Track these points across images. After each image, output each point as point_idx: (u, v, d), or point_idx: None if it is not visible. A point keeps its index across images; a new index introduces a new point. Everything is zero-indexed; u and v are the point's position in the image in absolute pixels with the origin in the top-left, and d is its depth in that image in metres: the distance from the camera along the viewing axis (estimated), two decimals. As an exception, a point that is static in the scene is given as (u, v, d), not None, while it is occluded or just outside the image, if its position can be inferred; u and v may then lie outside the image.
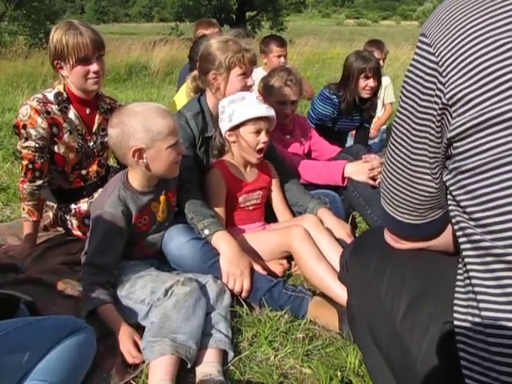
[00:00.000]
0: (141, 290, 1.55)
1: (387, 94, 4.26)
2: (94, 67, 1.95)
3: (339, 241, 1.89)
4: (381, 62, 4.02)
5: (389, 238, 1.07)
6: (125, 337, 1.43)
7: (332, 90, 3.01)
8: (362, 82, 2.90)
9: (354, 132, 3.41)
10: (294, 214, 2.14)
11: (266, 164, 2.11)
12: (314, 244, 1.76)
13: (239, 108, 1.87)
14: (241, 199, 2.01)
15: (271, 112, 1.89)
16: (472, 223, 0.77)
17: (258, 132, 1.88)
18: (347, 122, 3.14)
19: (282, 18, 23.65)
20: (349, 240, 1.91)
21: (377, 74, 2.89)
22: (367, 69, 2.86)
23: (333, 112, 3.02)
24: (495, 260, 0.74)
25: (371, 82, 2.89)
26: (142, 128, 1.54)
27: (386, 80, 4.27)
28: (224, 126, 1.93)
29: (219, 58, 1.94)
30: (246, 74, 2.00)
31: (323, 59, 11.23)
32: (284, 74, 2.48)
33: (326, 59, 11.19)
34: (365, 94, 2.94)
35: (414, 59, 0.83)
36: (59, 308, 1.65)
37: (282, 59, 3.62)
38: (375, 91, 2.97)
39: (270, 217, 2.14)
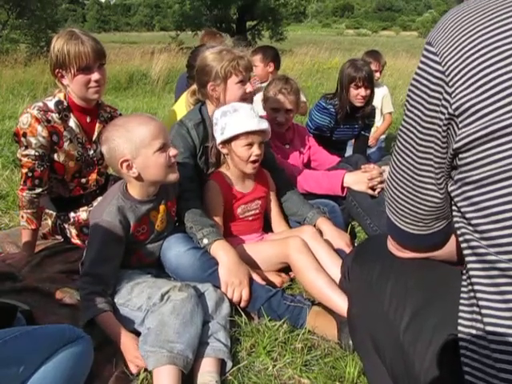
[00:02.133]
0: (137, 296, 1.54)
1: (385, 103, 4.27)
2: (95, 76, 1.96)
3: (338, 251, 1.89)
4: (377, 74, 4.07)
5: (392, 246, 1.07)
6: (129, 344, 1.43)
7: (328, 100, 3.05)
8: (353, 91, 2.93)
9: (353, 141, 3.43)
10: (289, 226, 2.14)
11: (264, 173, 2.11)
12: (312, 255, 1.75)
13: (231, 121, 1.86)
14: (239, 210, 2.01)
15: (263, 125, 1.88)
16: (477, 235, 0.76)
17: (250, 145, 1.87)
18: (345, 131, 3.16)
19: (281, 28, 23.76)
20: (348, 250, 1.90)
21: (368, 84, 2.90)
22: (357, 78, 2.88)
23: (330, 122, 3.04)
24: (500, 274, 0.73)
25: (362, 92, 2.91)
26: (124, 140, 1.55)
27: (383, 90, 4.29)
28: (217, 138, 1.93)
29: (215, 68, 1.95)
30: (244, 81, 2.01)
31: (323, 69, 11.29)
32: (280, 83, 2.51)
33: (325, 69, 11.25)
34: (357, 103, 2.97)
35: (419, 68, 0.82)
36: (57, 317, 1.64)
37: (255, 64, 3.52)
38: (368, 100, 2.99)
39: (267, 227, 2.14)
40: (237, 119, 1.86)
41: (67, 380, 1.11)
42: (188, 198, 1.88)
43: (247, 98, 2.04)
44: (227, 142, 1.90)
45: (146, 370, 1.38)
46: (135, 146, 1.55)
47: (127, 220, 1.64)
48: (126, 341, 1.44)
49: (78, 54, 1.90)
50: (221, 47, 2.03)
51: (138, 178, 1.62)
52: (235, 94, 1.99)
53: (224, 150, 1.95)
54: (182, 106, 2.54)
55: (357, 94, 2.92)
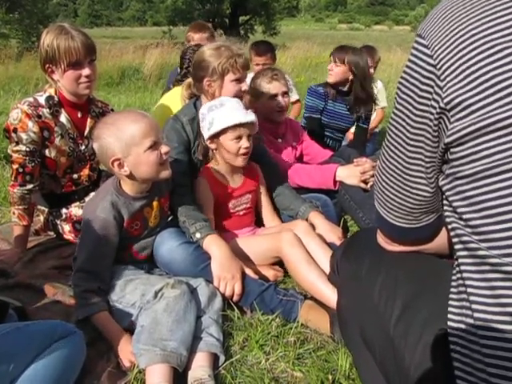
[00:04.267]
0: (131, 293, 1.54)
1: (379, 98, 4.27)
2: (85, 71, 1.95)
3: (330, 245, 1.89)
4: (371, 70, 4.08)
5: (382, 240, 1.07)
6: (124, 343, 1.43)
7: (318, 84, 3.23)
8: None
9: (350, 136, 3.44)
10: (281, 220, 2.15)
11: (254, 167, 2.11)
12: (304, 249, 1.76)
13: (217, 116, 1.85)
14: (230, 205, 2.00)
15: (250, 117, 1.87)
16: (468, 230, 0.76)
17: (238, 138, 1.87)
18: (335, 112, 3.18)
19: (274, 23, 23.74)
20: (340, 244, 1.90)
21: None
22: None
23: (320, 102, 3.13)
24: (491, 269, 0.73)
25: (333, 66, 3.05)
26: (114, 139, 1.54)
27: (378, 85, 4.29)
28: (204, 134, 1.92)
29: (212, 64, 1.95)
30: (240, 80, 2.01)
31: (316, 63, 11.29)
32: (268, 72, 2.55)
33: (318, 63, 11.24)
34: (328, 78, 3.10)
35: (410, 60, 0.81)
36: (50, 313, 1.64)
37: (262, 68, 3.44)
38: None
39: (259, 221, 2.14)
40: (224, 113, 1.85)
41: (59, 376, 1.11)
42: (181, 193, 1.88)
43: (242, 96, 2.04)
44: (215, 136, 1.89)
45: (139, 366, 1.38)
46: (126, 145, 1.54)
47: (121, 216, 1.64)
48: (121, 340, 1.44)
49: (67, 49, 1.88)
50: (220, 43, 2.02)
51: (130, 175, 1.61)
52: (230, 92, 1.99)
53: (212, 146, 1.93)
54: (177, 100, 2.53)
55: (330, 70, 3.07)
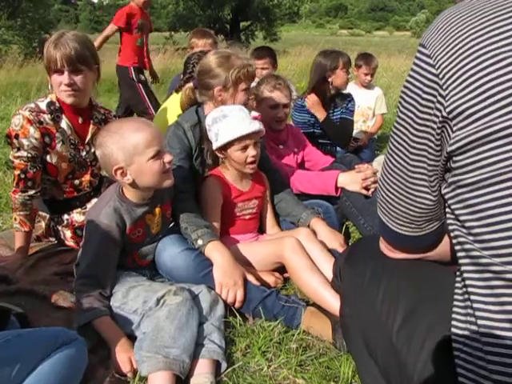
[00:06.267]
0: (133, 300, 1.54)
1: (378, 104, 4.28)
2: (64, 80, 1.93)
3: (332, 251, 1.89)
4: (368, 77, 4.11)
5: (384, 247, 1.07)
6: (124, 348, 1.43)
7: (303, 98, 3.16)
8: (344, 75, 3.12)
9: None
10: (280, 228, 2.15)
11: (261, 174, 2.12)
12: (306, 255, 1.75)
13: (222, 128, 1.86)
14: (237, 208, 2.01)
15: (255, 126, 1.86)
16: (471, 238, 0.76)
17: (244, 148, 1.87)
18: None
19: (275, 29, 23.81)
20: (342, 250, 1.90)
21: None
22: (343, 63, 3.09)
23: (310, 117, 3.12)
24: (494, 277, 0.73)
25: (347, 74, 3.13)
26: (117, 147, 1.55)
27: (377, 91, 4.31)
28: (212, 144, 1.93)
29: (224, 73, 1.95)
30: (248, 89, 2.03)
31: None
32: (271, 80, 2.54)
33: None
34: (345, 86, 3.17)
35: (412, 69, 0.81)
36: (51, 319, 1.63)
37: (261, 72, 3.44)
38: None
39: (261, 228, 2.14)
40: (227, 125, 1.85)
41: (62, 382, 1.11)
42: (183, 199, 1.88)
43: (247, 105, 2.05)
44: (222, 148, 1.91)
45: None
46: (129, 154, 1.54)
47: (124, 222, 1.64)
48: (120, 344, 1.44)
49: (49, 56, 1.90)
50: (227, 51, 2.03)
51: (133, 184, 1.61)
52: (241, 101, 2.00)
53: (221, 155, 1.96)
54: (177, 106, 2.52)
55: (347, 79, 3.13)
